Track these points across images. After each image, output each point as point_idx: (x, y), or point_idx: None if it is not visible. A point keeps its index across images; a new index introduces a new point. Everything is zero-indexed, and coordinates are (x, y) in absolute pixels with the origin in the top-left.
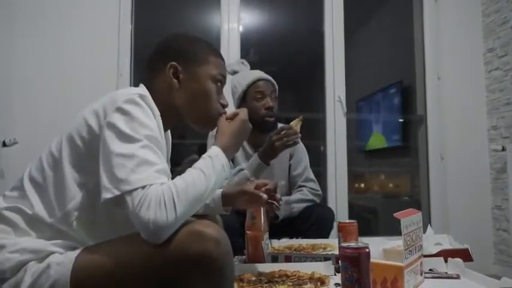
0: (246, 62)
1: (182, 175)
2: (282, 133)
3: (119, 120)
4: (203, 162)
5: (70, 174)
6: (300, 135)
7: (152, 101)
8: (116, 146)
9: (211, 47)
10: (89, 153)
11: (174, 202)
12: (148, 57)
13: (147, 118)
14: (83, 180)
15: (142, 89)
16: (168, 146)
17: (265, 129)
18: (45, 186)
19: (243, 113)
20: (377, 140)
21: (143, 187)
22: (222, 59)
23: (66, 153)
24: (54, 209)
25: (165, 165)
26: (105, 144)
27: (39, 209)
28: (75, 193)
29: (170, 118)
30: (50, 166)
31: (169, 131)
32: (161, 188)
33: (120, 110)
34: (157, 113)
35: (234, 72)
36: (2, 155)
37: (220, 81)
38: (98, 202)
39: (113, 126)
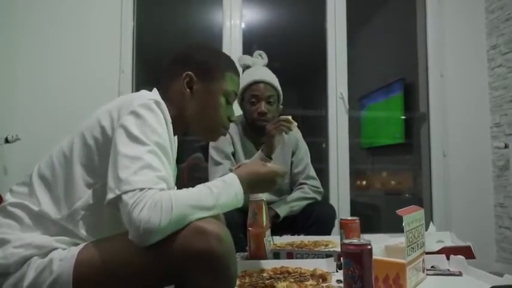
0: (264, 55)
1: (189, 188)
2: (275, 120)
3: (130, 123)
4: (215, 182)
5: (79, 174)
6: (295, 123)
7: (166, 108)
8: (124, 147)
9: (230, 62)
10: (100, 154)
11: (171, 209)
12: (167, 61)
13: (159, 125)
14: (91, 180)
15: (157, 95)
16: (174, 150)
17: (257, 133)
18: (54, 184)
19: (279, 168)
20: (378, 137)
21: (141, 189)
22: (238, 76)
23: (77, 152)
24: (62, 206)
25: (169, 174)
26: (114, 145)
27: (46, 206)
28: (83, 192)
29: (178, 125)
30: (60, 164)
31: (176, 136)
32: (160, 193)
33: (134, 113)
34: (169, 119)
35: (246, 67)
36: (4, 151)
37: (232, 97)
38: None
39: (124, 128)
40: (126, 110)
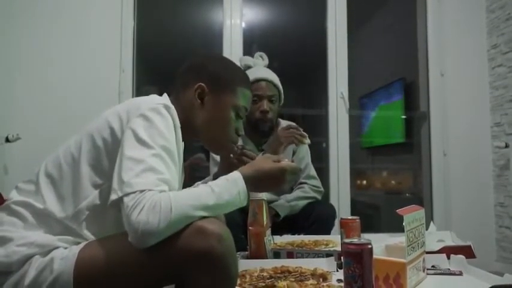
0: (264, 56)
1: (189, 188)
2: (290, 130)
3: (138, 126)
4: (217, 181)
5: (86, 174)
6: (308, 140)
7: (175, 113)
8: (130, 149)
9: (244, 76)
10: (108, 155)
11: (170, 210)
12: (181, 69)
13: (167, 129)
14: (98, 181)
15: (167, 100)
16: (181, 155)
17: (259, 132)
18: (60, 183)
19: (289, 165)
20: (378, 137)
21: (141, 191)
22: (250, 91)
23: (85, 152)
24: (67, 206)
25: (173, 177)
26: (121, 147)
27: (51, 205)
28: (89, 192)
29: (186, 132)
30: (67, 164)
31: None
32: (159, 195)
33: (143, 116)
34: (178, 124)
35: (247, 68)
36: (5, 150)
37: (242, 112)
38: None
39: (132, 131)
40: (135, 113)
